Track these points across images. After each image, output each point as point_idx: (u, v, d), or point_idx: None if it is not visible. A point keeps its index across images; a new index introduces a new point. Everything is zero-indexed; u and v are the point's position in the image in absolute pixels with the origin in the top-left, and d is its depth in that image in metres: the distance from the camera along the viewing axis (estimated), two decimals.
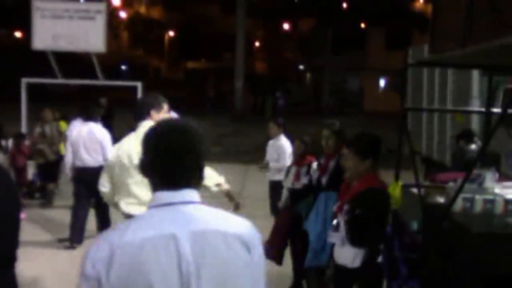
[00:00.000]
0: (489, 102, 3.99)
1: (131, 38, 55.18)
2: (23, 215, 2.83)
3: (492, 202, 3.20)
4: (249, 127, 18.13)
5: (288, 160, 6.38)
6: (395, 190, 3.57)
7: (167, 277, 1.39)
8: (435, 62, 3.71)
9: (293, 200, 5.16)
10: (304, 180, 5.04)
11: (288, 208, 5.23)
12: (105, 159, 5.78)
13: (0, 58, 29.68)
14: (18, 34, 36.86)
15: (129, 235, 1.42)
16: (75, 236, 6.46)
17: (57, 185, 8.57)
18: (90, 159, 6.51)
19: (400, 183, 3.65)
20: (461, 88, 7.95)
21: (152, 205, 1.50)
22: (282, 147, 6.55)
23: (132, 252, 1.39)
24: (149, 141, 1.53)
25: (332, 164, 4.64)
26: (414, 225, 3.98)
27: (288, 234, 5.16)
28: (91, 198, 6.48)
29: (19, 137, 8.92)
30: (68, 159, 6.73)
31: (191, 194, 1.51)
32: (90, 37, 11.89)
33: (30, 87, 11.68)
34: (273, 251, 5.16)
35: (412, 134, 10.43)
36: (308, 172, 5.03)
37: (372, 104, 30.09)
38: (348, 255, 3.18)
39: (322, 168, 4.74)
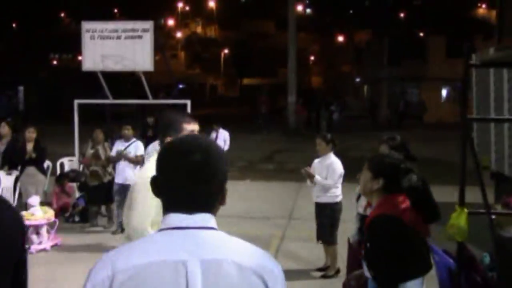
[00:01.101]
0: None
1: (188, 57, 56.38)
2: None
3: None
4: (303, 143, 17.61)
5: (338, 181, 5.73)
6: (459, 219, 2.92)
7: None
8: (503, 61, 3.05)
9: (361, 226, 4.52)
10: None
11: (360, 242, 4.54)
12: None
13: (65, 82, 30.81)
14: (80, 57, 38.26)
15: (135, 258, 1.33)
16: None
17: (111, 208, 8.33)
18: None
19: (466, 210, 2.98)
20: None
21: (163, 228, 1.39)
22: (332, 166, 5.76)
23: (136, 276, 1.30)
24: (168, 158, 1.42)
25: None
26: (486, 259, 3.29)
27: None
28: None
29: (62, 177, 8.86)
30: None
31: (207, 218, 1.39)
32: (137, 56, 11.90)
33: (93, 109, 11.82)
34: None
35: (479, 147, 9.65)
36: None
37: (434, 116, 28.74)
38: None
39: None
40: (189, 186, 1.37)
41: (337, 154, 6.03)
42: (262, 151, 16.29)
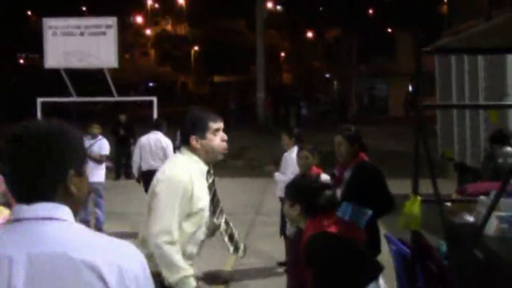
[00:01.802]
0: None
1: (159, 55, 55.80)
2: None
3: None
4: (272, 139, 17.62)
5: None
6: (413, 207, 2.90)
7: None
8: (453, 47, 3.04)
9: None
10: None
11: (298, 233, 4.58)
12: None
13: (34, 81, 30.20)
14: None
15: None
16: None
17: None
18: (154, 164, 7.35)
19: (419, 198, 2.97)
20: (494, 85, 7.20)
21: (7, 221, 1.34)
22: (293, 161, 5.67)
23: None
24: (4, 146, 1.34)
25: (347, 174, 3.98)
26: (443, 247, 3.28)
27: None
28: None
29: None
30: (136, 160, 7.97)
31: (49, 208, 1.30)
32: (102, 53, 11.70)
33: (59, 107, 11.59)
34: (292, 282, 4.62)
35: (443, 139, 9.78)
36: None
37: (401, 110, 29.14)
38: None
39: (336, 180, 4.08)
40: (21, 175, 1.31)
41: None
42: (230, 148, 16.08)
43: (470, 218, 2.62)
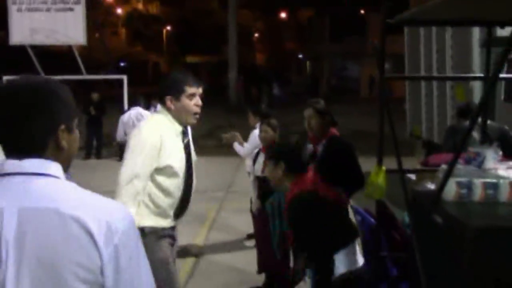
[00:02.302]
0: (488, 67, 3.33)
1: (129, 35, 54.80)
2: None
3: (495, 186, 2.54)
4: (243, 119, 17.60)
5: None
6: (377, 177, 2.96)
7: None
8: (417, 18, 3.07)
9: (264, 190, 4.68)
10: None
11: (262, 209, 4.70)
12: None
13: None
14: None
15: None
16: None
17: None
18: None
19: (384, 168, 3.03)
20: (460, 62, 7.33)
21: None
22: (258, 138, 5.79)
23: None
24: None
25: (319, 149, 3.94)
26: (406, 218, 3.36)
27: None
28: None
29: None
30: (120, 134, 8.67)
31: (38, 164, 1.31)
32: (69, 30, 11.45)
33: None
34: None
35: (412, 117, 9.93)
36: None
37: (374, 91, 29.43)
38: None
39: (313, 152, 4.05)
40: (12, 127, 1.30)
41: (281, 128, 6.05)
42: (203, 128, 16.14)
43: (431, 186, 2.70)
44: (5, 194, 1.27)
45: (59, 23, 11.61)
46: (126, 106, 11.36)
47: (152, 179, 2.85)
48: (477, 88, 6.83)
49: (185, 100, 2.88)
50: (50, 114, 1.32)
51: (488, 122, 4.09)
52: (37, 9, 11.74)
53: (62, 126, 1.34)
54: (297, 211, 2.77)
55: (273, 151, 3.05)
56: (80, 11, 11.49)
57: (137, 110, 8.92)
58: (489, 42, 3.50)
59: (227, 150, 12.95)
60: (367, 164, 3.88)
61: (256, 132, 5.77)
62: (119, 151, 8.30)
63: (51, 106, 1.32)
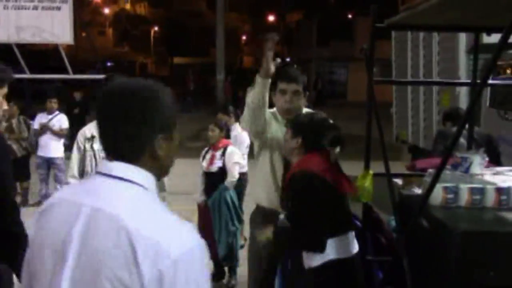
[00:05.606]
0: (475, 73, 3.37)
1: (117, 35, 54.52)
2: None
3: (481, 192, 2.57)
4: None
5: (245, 152, 5.67)
6: (364, 180, 2.97)
7: (46, 245, 1.29)
8: (406, 22, 3.09)
9: (209, 184, 5.12)
10: (218, 164, 5.06)
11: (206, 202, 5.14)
12: None
13: None
14: None
15: (58, 194, 1.39)
16: None
17: (29, 183, 8.00)
18: None
19: (371, 172, 3.03)
20: (447, 68, 7.41)
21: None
22: (238, 138, 5.67)
23: (45, 211, 1.35)
24: (98, 100, 1.37)
25: None
26: (393, 222, 3.38)
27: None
28: None
29: None
30: None
31: (123, 169, 1.30)
32: (56, 29, 11.34)
33: (12, 86, 11.25)
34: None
35: (399, 122, 10.00)
36: (223, 155, 5.05)
37: (359, 95, 29.56)
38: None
39: None
40: (106, 131, 1.32)
41: None
42: (189, 129, 16.10)
43: (418, 190, 2.71)
44: (88, 192, 1.30)
45: (46, 21, 11.51)
46: None
47: None
48: (463, 94, 6.90)
49: None
50: (147, 121, 1.29)
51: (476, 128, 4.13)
52: (24, 7, 11.61)
53: (160, 134, 1.31)
54: (297, 187, 2.65)
55: (298, 123, 2.88)
56: (67, 10, 11.40)
57: None
58: (476, 48, 3.53)
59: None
60: (354, 168, 3.88)
61: (234, 134, 5.76)
62: None
63: (148, 113, 1.29)
